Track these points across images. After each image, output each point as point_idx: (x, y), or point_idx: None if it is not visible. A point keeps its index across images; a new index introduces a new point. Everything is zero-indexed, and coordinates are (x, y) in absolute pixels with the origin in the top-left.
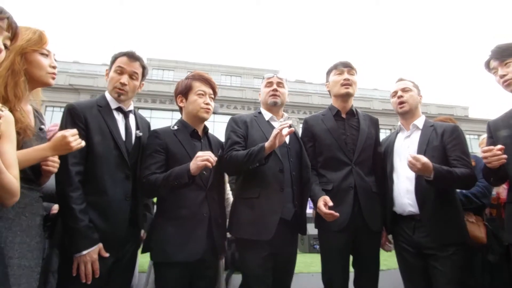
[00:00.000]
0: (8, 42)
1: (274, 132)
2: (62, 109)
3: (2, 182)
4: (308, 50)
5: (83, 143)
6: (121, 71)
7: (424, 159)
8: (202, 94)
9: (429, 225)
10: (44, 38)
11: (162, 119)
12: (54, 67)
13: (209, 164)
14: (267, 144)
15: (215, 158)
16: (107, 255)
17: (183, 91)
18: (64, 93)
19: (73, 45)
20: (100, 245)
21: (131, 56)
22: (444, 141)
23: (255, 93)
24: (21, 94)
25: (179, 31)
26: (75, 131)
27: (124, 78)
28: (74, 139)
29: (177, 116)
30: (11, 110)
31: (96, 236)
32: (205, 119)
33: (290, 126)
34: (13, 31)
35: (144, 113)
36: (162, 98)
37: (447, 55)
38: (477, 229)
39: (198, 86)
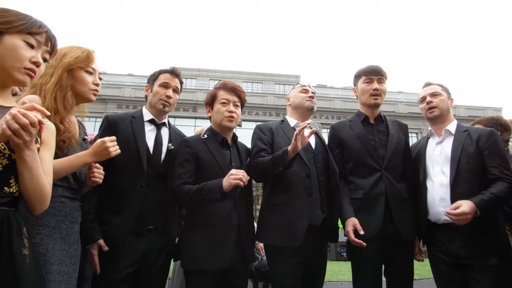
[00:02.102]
0: (47, 56)
1: (294, 133)
2: (91, 119)
3: (37, 183)
4: (330, 53)
5: (119, 151)
6: (166, 86)
7: (465, 209)
8: (226, 103)
9: (467, 234)
10: (91, 57)
11: (185, 127)
12: (97, 85)
13: (242, 184)
14: (289, 147)
15: (248, 177)
16: (106, 248)
17: (209, 101)
18: (92, 103)
19: (100, 55)
20: (100, 242)
21: (173, 73)
22: (480, 147)
23: (277, 99)
24: (70, 107)
25: (201, 39)
26: (113, 138)
27: (170, 92)
28: (112, 145)
29: (200, 123)
30: (61, 121)
31: (93, 235)
32: (229, 128)
33: (311, 128)
34: (52, 45)
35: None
36: (185, 106)
37: (479, 54)
38: (510, 239)
39: (222, 95)
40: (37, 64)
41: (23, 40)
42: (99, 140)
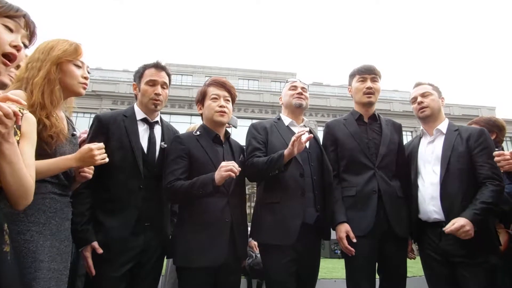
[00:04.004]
0: (26, 41)
1: (292, 139)
2: (85, 115)
3: (18, 177)
4: (326, 51)
5: (106, 159)
6: (153, 83)
7: (461, 222)
8: (216, 98)
9: None
10: (79, 50)
11: (181, 124)
12: (86, 78)
13: (233, 174)
14: (286, 151)
15: (239, 168)
16: (100, 250)
17: (200, 99)
18: (87, 99)
19: (95, 51)
20: (93, 244)
21: (158, 67)
22: (470, 146)
23: (273, 96)
24: (57, 101)
25: (197, 36)
26: (101, 145)
27: (158, 89)
28: (99, 152)
29: (196, 120)
30: (47, 116)
31: (87, 237)
32: (221, 123)
33: (310, 132)
34: (31, 30)
35: (163, 118)
36: (181, 102)
37: (472, 53)
38: (500, 236)
39: (212, 91)
40: (17, 48)
41: (1, 23)
42: (86, 146)
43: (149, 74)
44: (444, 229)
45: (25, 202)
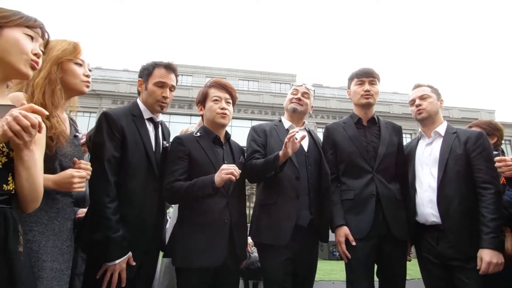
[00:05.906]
0: (42, 49)
1: (285, 141)
2: (85, 114)
3: (33, 182)
4: (326, 53)
5: (83, 189)
6: (162, 85)
7: (487, 259)
8: (218, 100)
9: (453, 236)
10: (78, 48)
11: (181, 124)
12: (88, 76)
13: (233, 178)
14: (280, 152)
15: (239, 171)
16: (134, 263)
17: (201, 100)
18: (87, 99)
19: (95, 50)
20: (130, 254)
21: (169, 68)
22: (468, 149)
23: (272, 97)
24: (58, 102)
25: (197, 36)
26: (84, 174)
27: (166, 92)
28: (79, 181)
29: (195, 120)
30: (48, 117)
31: (127, 245)
32: (223, 124)
33: (310, 134)
34: (46, 40)
35: (163, 118)
36: (181, 103)
37: (472, 56)
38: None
39: (214, 92)
40: (38, 56)
41: (23, 33)
42: (69, 172)
43: (159, 75)
44: (480, 273)
45: (35, 206)
